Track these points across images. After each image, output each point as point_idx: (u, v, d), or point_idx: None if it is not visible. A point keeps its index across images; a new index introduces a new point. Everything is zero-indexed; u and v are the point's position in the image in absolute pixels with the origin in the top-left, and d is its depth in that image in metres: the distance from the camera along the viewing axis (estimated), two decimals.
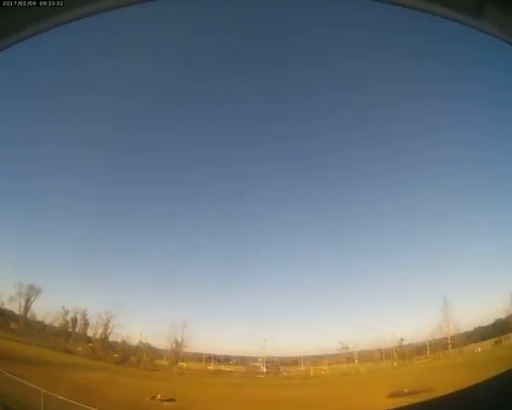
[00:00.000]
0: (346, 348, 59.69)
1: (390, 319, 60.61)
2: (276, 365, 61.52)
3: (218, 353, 62.59)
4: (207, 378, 52.24)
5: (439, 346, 55.14)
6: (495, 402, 5.21)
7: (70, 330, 57.02)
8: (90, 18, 3.86)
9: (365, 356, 58.70)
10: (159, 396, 34.87)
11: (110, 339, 57.36)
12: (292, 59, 70.23)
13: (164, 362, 57.90)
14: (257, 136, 76.56)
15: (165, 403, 34.10)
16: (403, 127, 66.78)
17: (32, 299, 54.84)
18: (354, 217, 73.62)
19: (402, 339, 57.19)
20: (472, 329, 53.86)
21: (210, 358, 62.50)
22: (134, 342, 58.02)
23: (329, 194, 74.62)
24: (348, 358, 60.33)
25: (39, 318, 55.49)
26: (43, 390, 24.35)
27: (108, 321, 56.80)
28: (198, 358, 61.58)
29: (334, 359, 60.74)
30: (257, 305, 70.79)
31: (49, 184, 62.49)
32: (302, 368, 60.33)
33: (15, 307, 54.28)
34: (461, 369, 39.94)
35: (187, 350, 58.38)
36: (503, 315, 51.07)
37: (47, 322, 55.40)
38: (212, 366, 60.73)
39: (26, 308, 54.79)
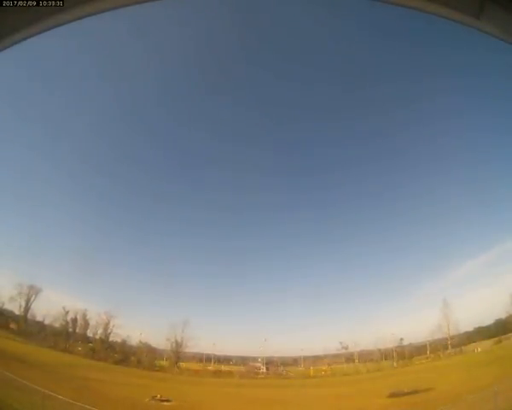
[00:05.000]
0: (346, 348, 59.87)
1: (390, 319, 60.89)
2: (276, 365, 61.55)
3: (218, 353, 62.72)
4: (207, 378, 52.20)
5: (439, 346, 55.23)
6: None
7: (70, 330, 56.93)
8: (90, 18, 3.86)
9: (365, 356, 58.77)
10: (159, 396, 34.86)
11: (110, 339, 57.60)
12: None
13: (164, 362, 57.86)
14: (251, 141, 76.78)
15: (165, 403, 34.09)
16: (400, 129, 67.14)
17: (32, 299, 55.03)
18: (354, 219, 73.94)
19: (402, 339, 57.45)
20: (472, 329, 54.06)
21: (210, 358, 62.44)
22: (134, 342, 58.29)
23: (330, 196, 74.80)
24: (348, 358, 60.41)
25: (39, 318, 55.71)
26: (42, 390, 24.30)
27: (108, 321, 57.14)
28: (198, 358, 61.47)
29: (334, 359, 60.81)
30: (257, 305, 71.05)
31: (50, 185, 62.77)
32: (302, 368, 60.38)
33: (15, 307, 54.48)
34: (461, 369, 40.04)
35: (187, 350, 58.44)
36: (503, 315, 51.36)
37: (47, 322, 55.59)
38: (212, 366, 60.69)
39: (26, 308, 54.94)
